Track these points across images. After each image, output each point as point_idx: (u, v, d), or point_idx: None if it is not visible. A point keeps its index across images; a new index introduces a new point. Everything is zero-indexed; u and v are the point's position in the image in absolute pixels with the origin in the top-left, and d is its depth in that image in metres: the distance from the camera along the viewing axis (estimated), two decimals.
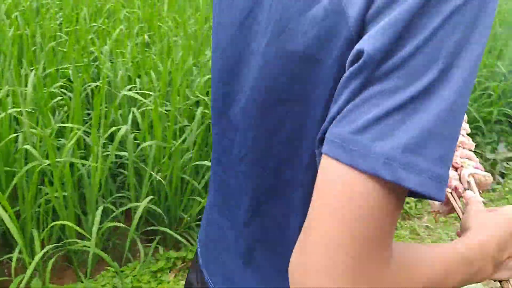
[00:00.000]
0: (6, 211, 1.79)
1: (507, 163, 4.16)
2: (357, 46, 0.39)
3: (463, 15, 0.37)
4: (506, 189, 3.75)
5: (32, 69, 2.52)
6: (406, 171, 0.36)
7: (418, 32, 0.37)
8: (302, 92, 0.48)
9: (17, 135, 2.12)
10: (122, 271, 2.18)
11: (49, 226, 1.95)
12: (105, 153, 2.24)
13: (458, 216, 0.66)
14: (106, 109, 2.48)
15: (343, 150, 0.38)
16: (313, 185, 0.42)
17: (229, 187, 0.65)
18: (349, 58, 0.40)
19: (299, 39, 0.46)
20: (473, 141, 0.80)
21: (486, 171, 0.74)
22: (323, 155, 0.41)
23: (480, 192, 0.71)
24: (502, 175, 4.05)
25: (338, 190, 0.39)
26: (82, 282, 2.08)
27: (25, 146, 2.01)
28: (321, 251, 0.39)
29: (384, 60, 0.38)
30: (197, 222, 2.42)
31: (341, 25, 0.42)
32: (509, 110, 4.59)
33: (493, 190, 3.78)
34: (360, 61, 0.38)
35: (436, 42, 0.37)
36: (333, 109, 0.41)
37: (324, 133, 0.42)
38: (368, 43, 0.38)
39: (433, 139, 0.37)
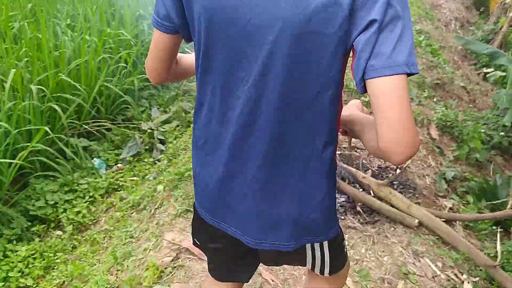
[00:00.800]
0: None
1: (163, 128, 4.07)
2: (369, 18, 0.83)
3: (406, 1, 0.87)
4: (169, 153, 3.62)
5: None
6: (412, 65, 0.84)
7: (392, 6, 0.83)
8: (311, 52, 0.89)
9: None
10: None
11: None
12: None
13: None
14: None
15: (388, 69, 0.83)
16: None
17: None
18: (362, 25, 0.84)
19: (306, 22, 0.86)
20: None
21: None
22: (372, 79, 0.85)
23: None
24: (163, 142, 3.93)
25: (395, 88, 0.84)
26: None
27: None
28: (405, 122, 0.85)
29: (384, 21, 0.83)
30: None
31: (339, 11, 0.83)
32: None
33: None
34: (376, 25, 0.83)
35: (398, 9, 0.83)
36: (364, 55, 0.84)
37: (364, 71, 0.85)
38: (376, 15, 0.82)
39: (412, 47, 0.85)
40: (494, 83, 5.87)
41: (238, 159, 1.06)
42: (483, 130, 4.34)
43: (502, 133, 4.46)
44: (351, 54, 0.93)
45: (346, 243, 2.63)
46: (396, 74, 0.83)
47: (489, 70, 6.33)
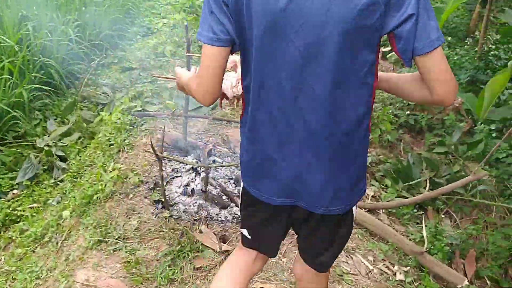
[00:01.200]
0: None
1: (62, 142, 3.67)
2: (407, 12, 1.11)
3: None
4: (72, 171, 3.25)
5: None
6: (442, 37, 1.15)
7: (421, 1, 1.12)
8: (356, 41, 1.15)
9: None
10: None
11: None
12: None
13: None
14: None
15: (428, 47, 1.14)
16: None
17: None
18: (401, 19, 1.12)
19: (354, 18, 1.11)
20: None
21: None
22: (419, 56, 1.16)
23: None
24: (64, 159, 3.54)
25: (436, 57, 1.16)
26: None
27: None
28: (449, 77, 1.19)
29: (418, 13, 1.12)
30: None
31: (377, 7, 1.10)
32: None
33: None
34: (414, 18, 1.11)
35: (422, 1, 1.12)
36: (409, 41, 1.14)
37: (412, 52, 1.15)
38: (413, 10, 1.10)
39: (437, 24, 1.16)
40: (394, 62, 6.07)
41: (291, 142, 1.27)
42: (390, 111, 4.44)
43: (408, 112, 4.61)
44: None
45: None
46: (434, 49, 1.14)
47: (387, 49, 6.54)
